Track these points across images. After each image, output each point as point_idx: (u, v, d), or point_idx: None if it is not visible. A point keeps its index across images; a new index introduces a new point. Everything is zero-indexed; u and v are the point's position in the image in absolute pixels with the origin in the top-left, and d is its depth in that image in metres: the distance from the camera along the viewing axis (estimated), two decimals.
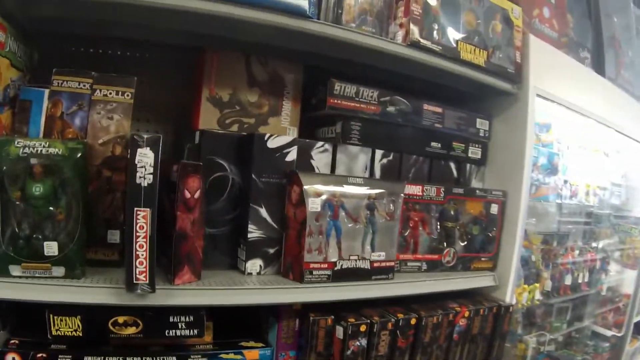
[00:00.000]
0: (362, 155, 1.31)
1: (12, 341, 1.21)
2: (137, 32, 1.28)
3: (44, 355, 1.17)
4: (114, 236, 1.18)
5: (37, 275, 1.07)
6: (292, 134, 1.31)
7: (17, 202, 1.04)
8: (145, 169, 1.00)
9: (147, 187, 1.00)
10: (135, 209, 1.00)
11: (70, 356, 1.16)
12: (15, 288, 1.05)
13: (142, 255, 1.01)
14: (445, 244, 1.40)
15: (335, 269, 1.19)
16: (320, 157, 1.24)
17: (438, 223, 1.39)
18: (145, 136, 0.99)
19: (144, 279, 1.02)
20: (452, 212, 1.40)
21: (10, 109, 1.16)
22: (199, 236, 1.13)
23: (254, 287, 1.13)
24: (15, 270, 1.07)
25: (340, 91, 1.25)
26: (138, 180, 1.00)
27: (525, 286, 1.73)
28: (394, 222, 1.26)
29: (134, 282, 1.02)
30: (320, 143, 1.23)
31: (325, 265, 1.18)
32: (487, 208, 1.47)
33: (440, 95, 1.51)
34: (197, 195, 1.10)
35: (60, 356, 1.15)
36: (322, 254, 1.18)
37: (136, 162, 0.99)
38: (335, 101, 1.24)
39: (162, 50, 1.36)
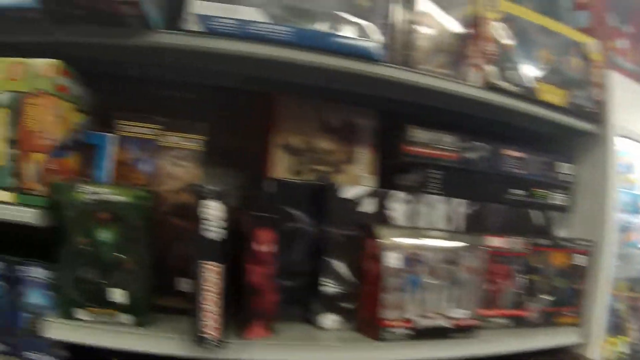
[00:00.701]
0: (442, 204, 1.23)
1: None
2: (204, 77, 1.27)
3: None
4: (184, 284, 1.15)
5: (102, 320, 1.04)
6: (368, 183, 1.26)
7: (84, 248, 1.03)
8: (214, 222, 0.96)
9: (215, 241, 0.96)
10: (204, 263, 0.96)
11: None
12: (80, 331, 1.03)
13: (212, 310, 0.97)
14: (529, 298, 1.29)
15: (414, 326, 1.11)
16: (398, 208, 1.17)
17: (522, 276, 1.28)
18: (213, 188, 0.96)
19: (214, 333, 0.98)
20: (536, 265, 1.29)
21: (76, 153, 1.16)
22: (272, 290, 1.07)
23: (329, 343, 1.07)
24: (81, 314, 1.05)
25: (416, 138, 1.19)
26: (206, 234, 0.96)
27: (611, 339, 1.58)
28: (476, 277, 1.17)
29: (203, 336, 0.97)
30: (397, 193, 1.17)
31: (403, 323, 1.10)
32: (572, 259, 1.36)
33: (516, 137, 1.43)
34: (269, 248, 1.05)
35: None
36: (400, 311, 1.10)
37: (204, 214, 0.96)
38: (412, 148, 1.18)
39: (232, 95, 1.34)
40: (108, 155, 1.16)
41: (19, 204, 1.01)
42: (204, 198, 0.96)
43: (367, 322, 1.12)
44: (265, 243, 1.05)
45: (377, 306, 1.09)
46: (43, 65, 1.02)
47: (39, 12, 1.02)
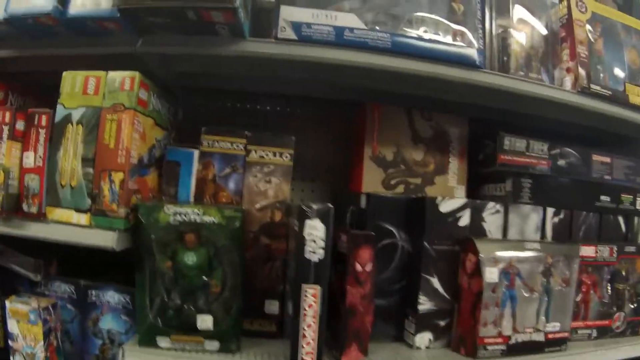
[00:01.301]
0: (533, 214, 1.17)
1: None
2: (289, 87, 1.20)
3: None
4: (272, 307, 1.10)
5: (187, 348, 1.00)
6: (459, 194, 1.20)
7: (167, 271, 0.97)
8: (316, 243, 0.91)
9: (317, 263, 0.91)
10: (304, 286, 0.91)
11: None
12: None
13: (310, 335, 0.92)
14: (615, 307, 1.25)
15: (510, 342, 1.07)
16: (492, 219, 1.11)
17: (609, 285, 1.24)
18: (315, 207, 0.90)
19: (310, 359, 0.94)
20: (623, 273, 1.25)
21: (156, 170, 1.10)
22: (368, 311, 1.03)
23: None
24: (163, 342, 1.00)
25: (510, 146, 1.13)
26: (307, 255, 0.91)
27: None
28: (570, 288, 1.13)
29: None
30: (491, 204, 1.11)
31: (500, 340, 1.06)
32: None
33: (599, 140, 1.37)
34: (368, 267, 1.00)
35: None
36: (496, 327, 1.06)
37: (305, 234, 0.90)
38: (506, 157, 1.13)
39: (317, 105, 1.28)
40: (192, 172, 1.11)
41: (96, 227, 0.95)
42: (305, 217, 0.91)
43: (462, 340, 1.08)
44: (364, 262, 1.00)
45: (475, 323, 1.05)
46: (121, 77, 0.96)
47: (118, 22, 0.95)
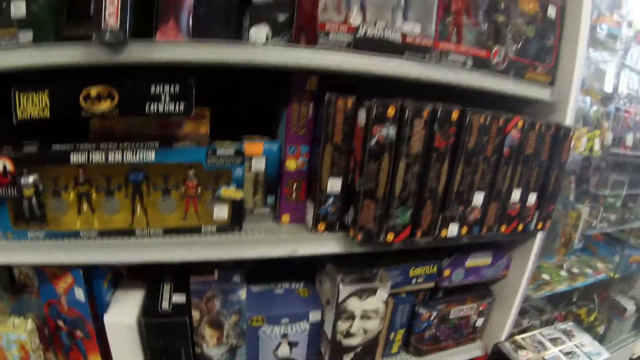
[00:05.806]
0: None
1: None
2: None
3: None
4: None
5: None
6: None
7: None
8: None
9: None
10: None
11: None
12: None
13: None
14: (494, 41, 1.03)
15: (358, 35, 0.87)
16: None
17: (486, 14, 1.02)
18: None
19: (114, 22, 0.74)
20: (502, 4, 1.03)
21: None
22: None
23: (257, 48, 0.84)
24: None
25: None
26: None
27: (586, 130, 1.35)
28: None
29: (102, 28, 0.73)
30: None
31: (345, 28, 0.87)
32: (544, 10, 1.09)
33: None
34: None
35: None
36: (341, 15, 0.87)
37: None
38: None
39: None
40: None
41: None
42: None
43: (302, 29, 0.86)
44: None
45: (315, 8, 0.85)
46: None
47: None
